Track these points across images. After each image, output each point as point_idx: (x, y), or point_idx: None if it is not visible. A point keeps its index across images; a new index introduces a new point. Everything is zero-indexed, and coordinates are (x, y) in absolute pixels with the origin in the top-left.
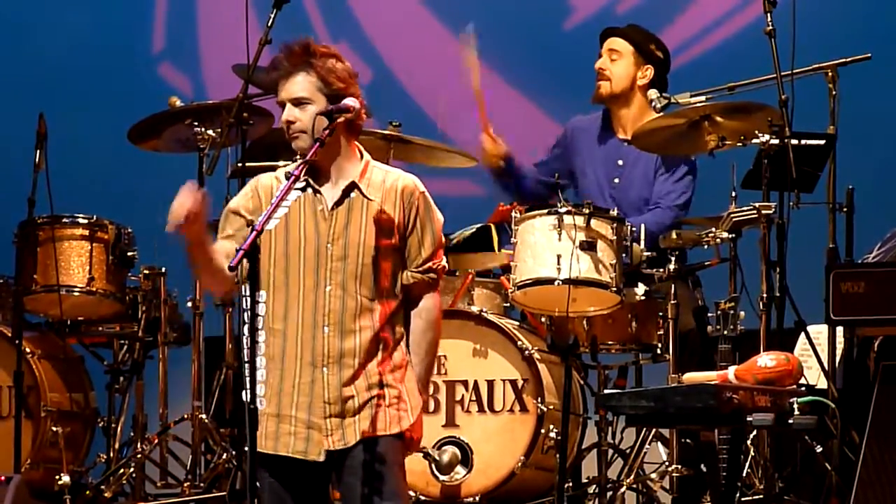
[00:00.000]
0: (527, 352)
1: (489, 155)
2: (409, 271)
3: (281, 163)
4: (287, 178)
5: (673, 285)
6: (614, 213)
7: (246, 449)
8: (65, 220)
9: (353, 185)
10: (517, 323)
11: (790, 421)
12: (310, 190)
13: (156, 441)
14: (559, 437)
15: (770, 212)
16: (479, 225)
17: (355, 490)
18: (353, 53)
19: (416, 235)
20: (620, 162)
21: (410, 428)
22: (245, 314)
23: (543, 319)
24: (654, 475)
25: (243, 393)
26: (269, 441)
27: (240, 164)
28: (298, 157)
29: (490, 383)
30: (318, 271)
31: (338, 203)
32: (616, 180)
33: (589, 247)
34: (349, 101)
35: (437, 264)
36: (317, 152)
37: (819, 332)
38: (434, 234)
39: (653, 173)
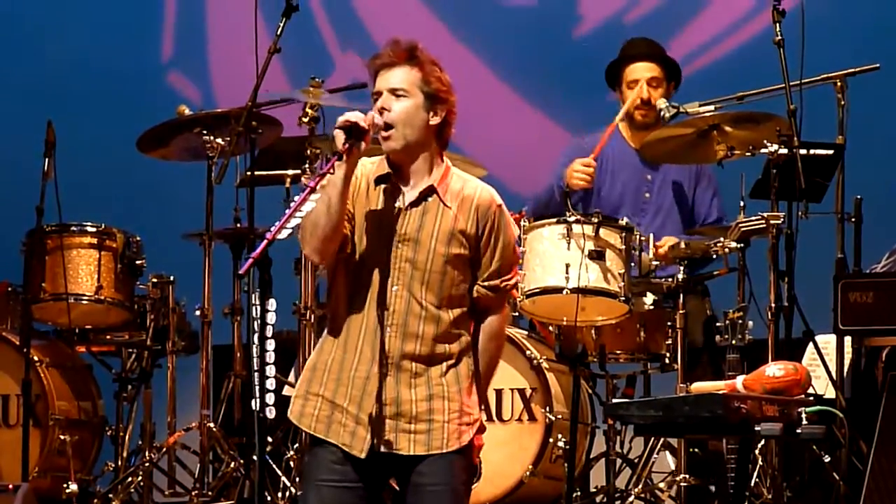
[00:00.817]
0: (535, 361)
1: (583, 179)
2: (479, 284)
3: (290, 172)
4: (303, 190)
5: (682, 295)
6: (623, 222)
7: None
8: (73, 228)
9: (431, 189)
10: (526, 332)
11: (798, 431)
12: (390, 186)
13: (173, 441)
14: (567, 447)
15: (778, 222)
16: None
17: None
18: (362, 63)
19: (490, 249)
20: (649, 177)
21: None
22: (255, 322)
23: (552, 328)
24: (662, 484)
25: (253, 402)
26: (320, 425)
27: (249, 173)
28: (385, 157)
29: (498, 392)
30: (387, 269)
31: (414, 204)
32: (647, 195)
33: (598, 256)
34: (371, 118)
35: (509, 280)
36: (333, 166)
37: (827, 341)
38: (507, 249)
39: (692, 186)
